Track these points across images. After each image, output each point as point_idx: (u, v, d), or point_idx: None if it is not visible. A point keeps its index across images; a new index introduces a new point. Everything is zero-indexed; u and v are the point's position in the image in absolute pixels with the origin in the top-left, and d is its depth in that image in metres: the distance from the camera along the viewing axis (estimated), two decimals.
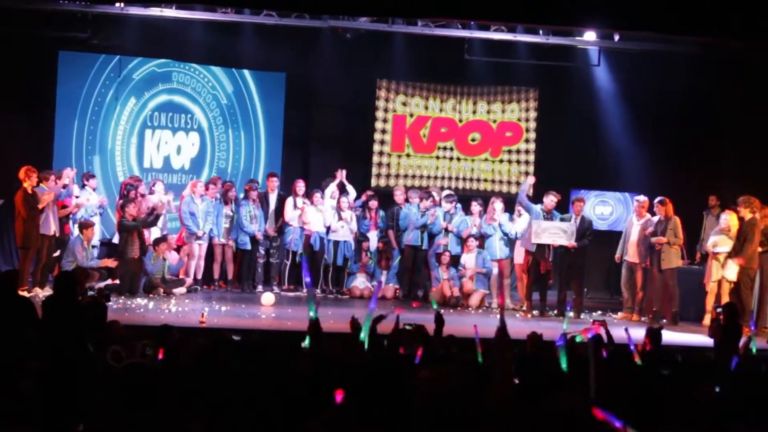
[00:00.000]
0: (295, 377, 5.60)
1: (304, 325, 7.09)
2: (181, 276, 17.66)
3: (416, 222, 18.32)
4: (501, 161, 21.63)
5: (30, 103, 19.41)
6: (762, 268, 15.79)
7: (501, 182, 21.56)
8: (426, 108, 21.54)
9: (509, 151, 21.62)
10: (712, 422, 5.46)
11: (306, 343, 7.05)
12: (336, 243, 18.50)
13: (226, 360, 5.99)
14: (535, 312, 16.81)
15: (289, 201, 18.47)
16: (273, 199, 18.68)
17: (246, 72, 20.91)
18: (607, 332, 9.09)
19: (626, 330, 9.26)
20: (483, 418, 4.81)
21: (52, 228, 16.21)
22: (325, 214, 18.40)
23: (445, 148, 21.60)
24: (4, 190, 17.42)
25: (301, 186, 18.66)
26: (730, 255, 15.87)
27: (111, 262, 17.01)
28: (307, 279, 7.41)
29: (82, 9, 18.50)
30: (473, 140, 21.63)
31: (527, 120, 21.53)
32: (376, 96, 21.42)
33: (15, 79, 18.92)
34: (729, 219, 16.21)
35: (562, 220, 16.99)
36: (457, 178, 21.55)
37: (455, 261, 18.11)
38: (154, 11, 18.55)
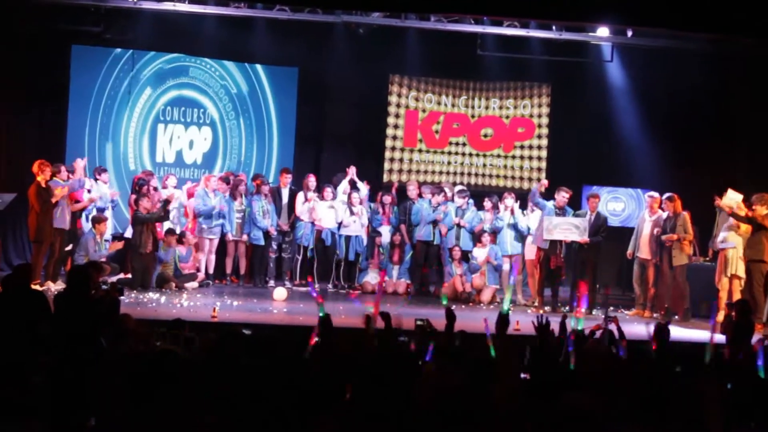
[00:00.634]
0: (305, 372, 5.60)
1: (316, 320, 7.10)
2: (192, 270, 17.66)
3: (427, 217, 18.31)
4: (513, 157, 21.62)
5: (43, 97, 19.41)
6: None
7: (513, 178, 21.56)
8: (438, 103, 21.54)
9: (521, 147, 21.61)
10: (724, 419, 5.45)
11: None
12: (348, 238, 18.51)
13: (236, 354, 6.00)
14: (546, 308, 16.78)
15: (300, 195, 18.48)
16: (285, 194, 18.69)
17: (258, 67, 20.91)
18: (619, 328, 9.08)
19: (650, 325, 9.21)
20: (488, 414, 4.81)
21: (66, 222, 16.27)
22: (336, 210, 18.40)
23: (457, 144, 21.59)
24: (16, 184, 17.46)
25: (312, 181, 18.67)
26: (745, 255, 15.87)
27: (119, 244, 17.04)
28: (314, 294, 7.38)
29: (95, 3, 18.50)
30: (485, 136, 21.62)
31: (540, 116, 21.52)
32: (388, 91, 21.41)
33: (28, 73, 18.94)
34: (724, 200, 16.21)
35: (576, 216, 16.98)
36: (469, 174, 21.54)
37: (467, 256, 18.10)
38: (167, 5, 18.57)
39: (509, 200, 18.03)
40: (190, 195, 18.36)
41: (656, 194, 17.16)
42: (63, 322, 8.81)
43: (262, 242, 18.28)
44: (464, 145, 21.58)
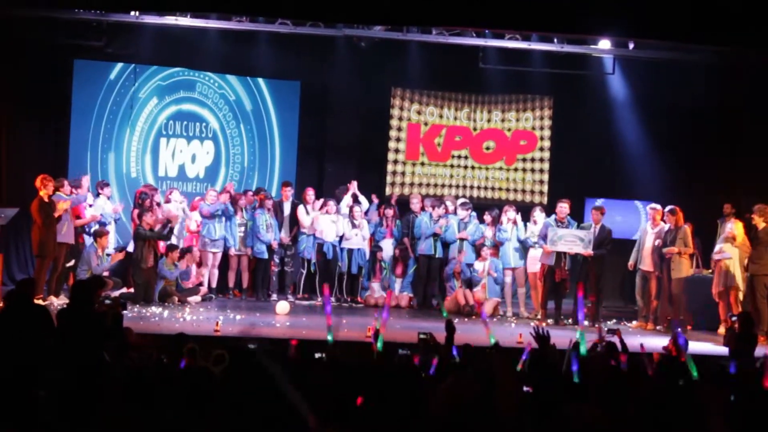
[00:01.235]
0: (311, 385, 5.60)
1: (319, 334, 7.12)
2: (195, 284, 17.66)
3: (426, 231, 18.30)
4: (515, 169, 21.63)
5: (45, 112, 19.42)
6: None
7: (515, 191, 21.56)
8: (440, 116, 21.56)
9: (524, 160, 21.62)
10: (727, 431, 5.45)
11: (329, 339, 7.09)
12: (350, 251, 18.49)
13: (244, 368, 6.00)
14: (549, 320, 16.77)
15: (301, 208, 18.48)
16: (287, 207, 18.69)
17: (261, 80, 20.94)
18: (622, 341, 9.09)
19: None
20: (492, 427, 4.82)
21: (71, 236, 16.30)
22: (337, 223, 18.39)
23: (459, 157, 21.61)
24: (19, 199, 17.47)
25: (311, 194, 18.69)
26: (742, 266, 15.87)
27: (119, 255, 17.05)
28: (327, 309, 7.40)
29: (97, 18, 18.57)
30: (488, 149, 21.64)
31: (542, 128, 21.54)
32: (390, 104, 21.44)
33: (30, 88, 18.95)
34: (734, 227, 16.20)
35: (581, 228, 16.98)
36: (471, 187, 21.55)
37: (469, 267, 18.09)
38: (169, 20, 18.60)
39: (511, 213, 18.04)
40: (194, 208, 18.37)
41: (658, 206, 17.17)
42: (66, 337, 8.81)
43: (265, 256, 18.28)
44: (466, 158, 21.60)
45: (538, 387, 6.32)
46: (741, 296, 15.92)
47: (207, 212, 17.87)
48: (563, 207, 17.06)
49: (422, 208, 18.69)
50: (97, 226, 17.22)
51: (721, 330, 15.31)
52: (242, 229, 18.24)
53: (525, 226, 18.01)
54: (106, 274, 16.43)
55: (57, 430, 5.31)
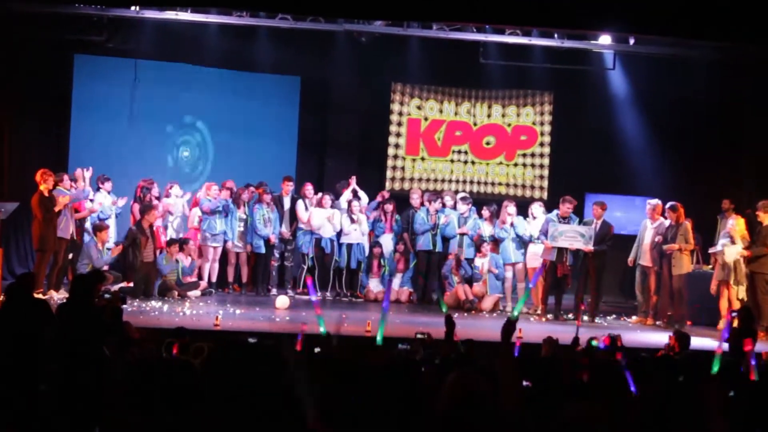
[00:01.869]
0: (308, 379, 5.60)
1: (318, 329, 7.12)
2: (195, 279, 17.67)
3: (422, 227, 18.31)
4: (515, 165, 21.64)
5: (46, 107, 19.43)
6: None
7: (515, 186, 21.57)
8: (441, 111, 21.56)
9: (524, 155, 21.63)
10: (728, 427, 5.45)
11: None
12: (349, 246, 18.50)
13: (240, 362, 6.00)
14: (549, 315, 16.79)
15: (300, 203, 18.49)
16: (287, 202, 18.70)
17: (261, 75, 20.91)
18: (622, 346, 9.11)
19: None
20: (493, 422, 4.82)
21: (70, 231, 16.30)
22: (334, 219, 18.38)
23: (459, 152, 21.61)
24: (19, 193, 17.47)
25: (309, 189, 18.70)
26: (745, 261, 15.88)
27: (119, 249, 17.05)
28: (312, 298, 7.41)
29: (98, 13, 18.53)
30: (488, 144, 21.65)
31: (542, 124, 21.55)
32: (390, 99, 21.45)
33: (31, 83, 18.94)
34: (736, 223, 16.19)
35: (584, 224, 16.97)
36: (471, 182, 21.55)
37: (468, 264, 18.09)
38: (170, 15, 18.58)
39: (511, 208, 18.04)
40: (195, 204, 18.37)
41: (657, 201, 17.16)
42: (66, 331, 8.82)
43: (263, 250, 18.29)
44: (466, 153, 21.60)
45: (540, 382, 6.33)
46: (740, 292, 15.91)
47: (207, 208, 17.87)
48: (567, 207, 17.01)
49: (422, 203, 18.68)
50: (96, 221, 17.21)
51: (721, 325, 15.31)
52: (242, 224, 18.25)
53: (525, 220, 18.01)
54: (105, 268, 16.46)
55: (57, 423, 5.32)
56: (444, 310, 8.64)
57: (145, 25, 19.14)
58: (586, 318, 16.38)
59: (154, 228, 17.31)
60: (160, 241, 17.53)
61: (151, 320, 13.76)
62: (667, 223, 16.74)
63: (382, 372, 5.23)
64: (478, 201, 19.45)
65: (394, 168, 21.46)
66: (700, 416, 5.23)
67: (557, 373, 6.91)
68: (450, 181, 21.48)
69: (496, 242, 18.08)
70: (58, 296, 15.38)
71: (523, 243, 17.94)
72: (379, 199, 19.13)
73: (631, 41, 19.28)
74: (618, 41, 19.46)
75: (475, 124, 21.61)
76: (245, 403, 5.13)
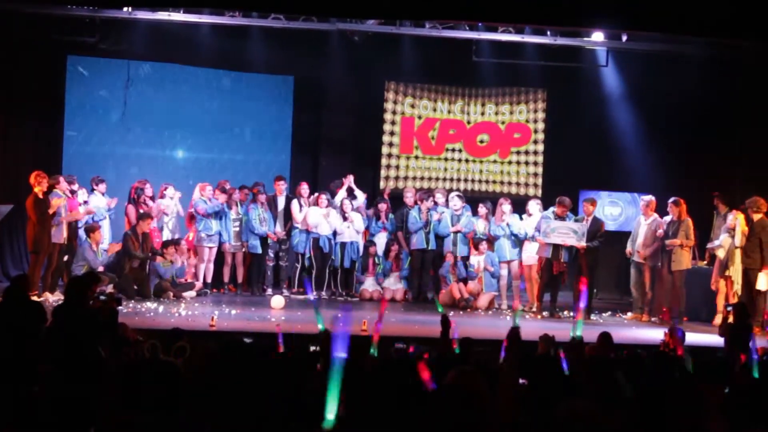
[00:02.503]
0: (306, 381, 5.61)
1: (314, 328, 7.13)
2: (190, 279, 17.66)
3: (414, 226, 18.31)
4: (510, 162, 21.63)
5: (39, 108, 19.39)
6: None
7: (510, 183, 21.56)
8: (434, 110, 21.55)
9: (518, 153, 21.62)
10: (722, 424, 5.46)
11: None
12: (343, 245, 18.49)
13: (237, 363, 6.00)
14: (545, 313, 16.80)
15: (295, 203, 18.49)
16: (281, 201, 18.69)
17: (254, 75, 20.90)
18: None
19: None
20: (490, 420, 4.82)
21: (63, 234, 16.27)
22: (330, 218, 18.37)
23: (453, 150, 21.60)
24: (13, 195, 17.46)
25: (305, 188, 18.70)
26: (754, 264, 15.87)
27: (117, 246, 17.02)
28: (310, 297, 7.42)
29: (90, 14, 18.52)
30: (482, 142, 21.64)
31: (536, 121, 21.54)
32: (384, 98, 21.42)
33: (24, 84, 18.95)
34: (735, 218, 16.18)
35: (577, 221, 16.95)
36: (465, 180, 21.54)
37: (463, 261, 18.09)
38: (162, 15, 18.59)
39: (506, 206, 18.04)
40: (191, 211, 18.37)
41: (651, 198, 17.16)
42: (62, 333, 8.81)
43: (259, 250, 18.29)
44: (460, 151, 21.59)
45: (536, 379, 6.33)
46: (738, 287, 15.92)
47: (203, 210, 17.86)
48: (563, 210, 16.98)
49: (415, 202, 18.68)
50: (88, 221, 17.18)
51: (717, 320, 15.32)
52: (237, 224, 18.24)
53: (520, 218, 18.00)
54: (101, 269, 16.44)
55: (52, 424, 5.32)
56: (440, 310, 8.64)
57: (137, 25, 19.14)
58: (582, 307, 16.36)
59: (148, 232, 17.28)
60: (154, 242, 17.54)
61: (147, 321, 13.73)
62: (666, 219, 16.73)
63: (378, 369, 5.24)
64: (473, 199, 19.45)
65: (388, 167, 21.44)
66: (698, 414, 5.23)
67: (553, 370, 6.90)
68: (444, 179, 21.46)
69: (490, 241, 18.06)
70: (54, 298, 15.36)
71: (518, 241, 17.94)
72: (385, 197, 19.17)
73: (624, 38, 19.32)
74: (611, 38, 19.51)
75: (468, 122, 21.60)
76: (227, 400, 5.14)
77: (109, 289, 15.81)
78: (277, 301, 16.29)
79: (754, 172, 19.13)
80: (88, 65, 19.72)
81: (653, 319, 16.61)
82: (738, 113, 19.95)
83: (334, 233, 18.46)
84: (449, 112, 21.58)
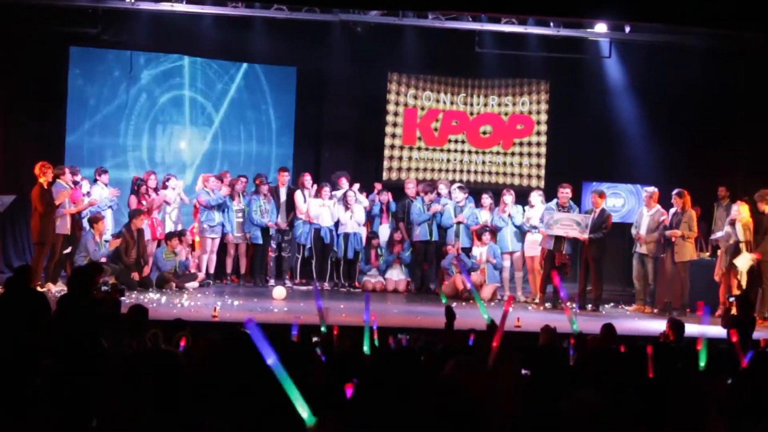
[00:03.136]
0: (308, 372, 5.60)
1: (316, 318, 7.12)
2: (193, 270, 17.67)
3: (418, 218, 18.30)
4: (512, 154, 21.63)
5: (41, 99, 19.37)
6: None
7: (513, 175, 21.56)
8: (437, 101, 21.54)
9: (521, 144, 21.62)
10: (725, 414, 5.45)
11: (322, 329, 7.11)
12: (346, 236, 18.49)
13: (239, 354, 5.99)
14: (547, 304, 16.78)
15: (299, 194, 18.49)
16: (284, 193, 18.69)
17: (257, 66, 20.90)
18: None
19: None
20: (490, 411, 4.81)
21: (67, 225, 16.29)
22: (332, 209, 18.37)
23: (456, 141, 21.59)
24: (15, 186, 17.46)
25: (307, 179, 18.69)
26: (748, 249, 15.84)
27: (117, 241, 17.01)
28: (318, 303, 7.39)
29: (92, 4, 18.52)
30: (484, 133, 21.62)
31: (538, 112, 21.53)
32: (387, 89, 21.40)
33: (26, 75, 18.94)
34: (740, 209, 16.15)
35: (586, 213, 16.90)
36: (468, 171, 21.53)
37: (465, 253, 18.08)
38: (164, 6, 18.58)
39: (508, 197, 18.03)
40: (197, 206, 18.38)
41: (653, 189, 17.12)
42: (64, 324, 8.81)
43: (260, 241, 18.28)
44: (463, 142, 21.58)
45: (537, 370, 6.33)
46: (743, 279, 15.89)
47: (205, 201, 17.86)
48: (565, 192, 17.01)
49: (417, 193, 18.66)
50: (92, 212, 17.16)
51: (719, 312, 15.30)
52: (240, 215, 18.24)
53: (523, 210, 17.99)
54: (103, 260, 16.43)
55: (54, 416, 5.31)
56: (444, 301, 8.63)
57: (139, 16, 19.16)
58: (589, 307, 16.40)
59: (142, 228, 17.26)
60: (155, 234, 17.56)
61: (150, 312, 13.71)
62: (671, 211, 16.69)
63: (381, 361, 5.23)
64: (475, 190, 19.47)
65: (391, 158, 21.43)
66: (699, 408, 5.22)
67: (556, 361, 6.90)
68: (447, 170, 21.45)
69: (493, 232, 18.05)
70: (56, 289, 15.37)
71: (520, 232, 17.92)
72: (376, 193, 19.14)
73: (627, 29, 19.30)
74: (614, 29, 19.49)
75: (471, 114, 21.58)
76: (228, 389, 5.13)
77: (112, 279, 15.83)
78: (279, 291, 16.29)
79: (756, 163, 19.14)
80: (91, 56, 19.68)
81: (655, 310, 16.59)
82: (740, 104, 19.94)
83: (336, 224, 18.46)
84: (452, 103, 21.56)
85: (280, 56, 20.72)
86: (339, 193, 18.70)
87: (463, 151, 21.59)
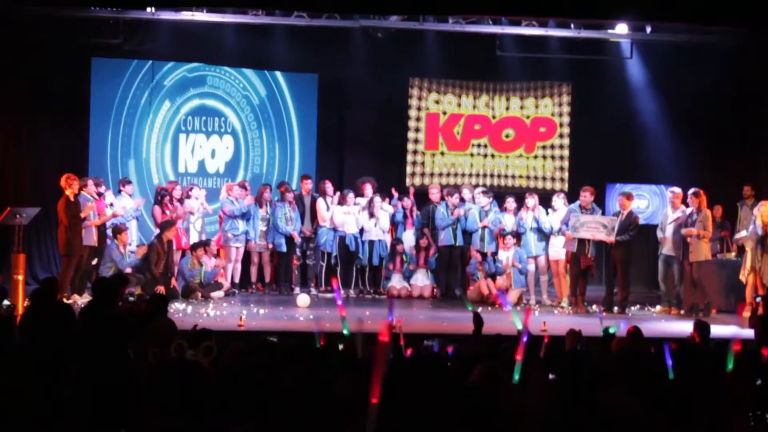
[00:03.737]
0: (332, 379, 5.59)
1: (341, 327, 7.12)
2: (218, 280, 17.69)
3: (442, 223, 18.28)
4: (535, 157, 21.58)
5: (64, 110, 19.41)
6: None
7: (536, 178, 21.51)
8: (459, 105, 21.51)
9: (543, 147, 21.57)
10: (752, 414, 5.42)
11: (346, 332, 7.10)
12: (371, 243, 18.48)
13: (265, 363, 5.99)
14: (573, 308, 16.71)
15: (321, 202, 18.50)
16: (307, 200, 18.70)
17: (278, 74, 20.94)
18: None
19: None
20: (520, 416, 4.80)
21: (93, 237, 16.37)
22: (357, 216, 18.37)
23: (479, 145, 21.56)
24: (39, 198, 17.53)
25: (329, 186, 18.70)
26: None
27: (144, 248, 17.07)
28: (339, 302, 7.38)
29: (114, 15, 18.59)
30: (507, 136, 21.59)
31: (561, 115, 21.48)
32: (408, 95, 21.40)
33: (49, 86, 18.97)
34: (763, 209, 16.08)
35: (614, 215, 16.83)
36: (491, 175, 21.50)
37: (492, 257, 18.05)
38: (186, 15, 18.65)
39: (531, 201, 18.00)
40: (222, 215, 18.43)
41: (678, 190, 17.05)
42: (89, 334, 8.83)
43: (284, 249, 18.28)
44: (486, 146, 21.55)
45: (564, 375, 6.30)
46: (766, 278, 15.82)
47: (229, 211, 17.90)
48: (585, 195, 16.94)
49: (442, 198, 18.64)
50: (115, 223, 17.20)
51: (746, 313, 15.23)
52: (265, 223, 18.27)
53: (546, 213, 17.94)
54: (129, 270, 16.46)
55: (81, 427, 5.32)
56: (470, 308, 8.60)
57: (161, 26, 19.23)
58: (615, 309, 16.34)
59: (173, 239, 17.31)
60: (180, 243, 17.60)
61: (175, 322, 13.73)
62: (689, 210, 16.63)
63: (408, 367, 5.22)
64: (499, 194, 19.42)
65: (413, 163, 21.42)
66: (724, 411, 5.20)
67: (583, 365, 6.87)
68: (470, 175, 21.41)
69: (518, 236, 18.01)
70: (82, 300, 15.40)
71: (544, 236, 17.88)
72: (404, 200, 19.11)
73: (648, 29, 19.25)
74: (635, 30, 19.45)
75: (493, 117, 21.55)
76: (255, 400, 5.13)
77: (138, 290, 15.89)
78: (303, 299, 16.32)
79: None
80: (113, 66, 19.74)
81: (681, 312, 16.51)
82: (764, 103, 19.83)
83: (361, 231, 18.46)
84: (474, 107, 21.54)
85: (301, 63, 20.74)
86: (362, 201, 18.68)
87: (485, 155, 21.55)
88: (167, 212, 17.67)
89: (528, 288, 18.00)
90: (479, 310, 9.32)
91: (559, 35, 19.73)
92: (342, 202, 18.46)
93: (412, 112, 21.41)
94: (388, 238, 18.66)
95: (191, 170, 20.25)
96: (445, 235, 18.32)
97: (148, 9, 18.51)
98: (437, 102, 21.48)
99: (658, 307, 17.10)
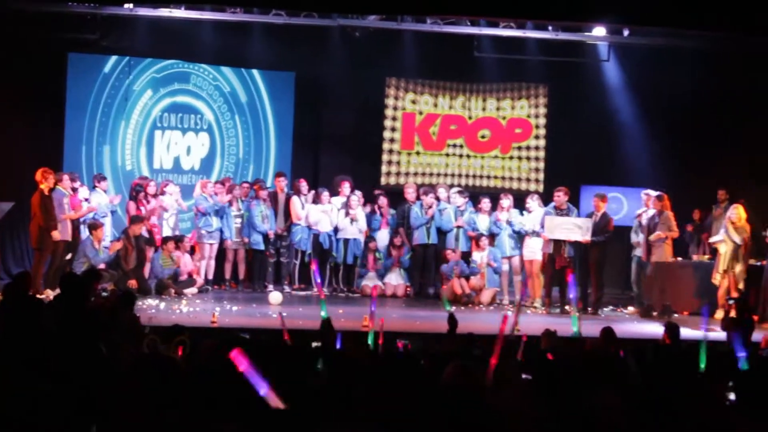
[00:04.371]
0: (308, 377, 5.59)
1: (315, 324, 7.12)
2: (192, 276, 17.65)
3: (416, 221, 18.31)
4: (511, 158, 21.60)
5: (40, 106, 19.36)
6: None
7: (511, 179, 21.53)
8: (435, 105, 21.51)
9: (519, 148, 21.59)
10: (725, 416, 5.44)
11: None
12: (346, 241, 18.48)
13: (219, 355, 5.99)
14: (552, 309, 16.75)
15: (296, 200, 18.48)
16: (282, 198, 18.68)
17: (255, 72, 20.90)
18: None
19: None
20: (496, 416, 4.80)
21: (68, 232, 16.32)
22: (331, 214, 18.38)
23: (454, 146, 21.57)
24: (14, 192, 17.44)
25: (303, 185, 18.69)
26: (744, 251, 15.89)
27: (118, 244, 17.01)
28: (318, 280, 7.40)
29: (92, 11, 18.55)
30: (483, 137, 21.60)
31: (537, 116, 21.51)
32: (385, 94, 21.38)
33: (25, 82, 18.91)
34: (736, 212, 16.18)
35: (588, 216, 16.89)
36: (467, 176, 21.50)
37: (465, 257, 18.08)
38: (163, 12, 18.60)
39: (506, 201, 18.04)
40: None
41: (652, 192, 17.13)
42: (61, 329, 8.79)
43: (261, 246, 18.28)
44: (462, 146, 21.56)
45: (537, 374, 6.31)
46: (740, 282, 15.91)
47: (203, 208, 17.90)
48: (559, 195, 16.99)
49: (417, 198, 18.67)
50: (92, 218, 17.16)
51: (718, 315, 15.30)
52: (238, 220, 18.25)
53: (521, 214, 17.98)
54: (102, 266, 16.42)
55: (52, 423, 5.30)
56: (447, 308, 8.63)
57: (138, 22, 19.19)
58: (589, 310, 16.39)
59: (140, 234, 17.27)
60: (156, 239, 17.58)
61: (148, 318, 13.71)
62: (650, 212, 16.71)
63: (381, 365, 5.22)
64: (474, 194, 19.47)
65: (389, 162, 21.41)
66: (698, 409, 5.22)
67: (557, 365, 6.89)
68: (445, 175, 21.41)
69: (492, 236, 18.05)
70: (54, 295, 15.33)
71: (518, 236, 17.92)
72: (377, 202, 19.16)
73: (626, 32, 19.31)
74: (612, 33, 19.51)
75: (470, 118, 21.57)
76: (228, 395, 5.13)
77: (110, 286, 15.85)
78: (275, 297, 16.34)
79: (755, 166, 19.14)
80: (90, 62, 19.68)
81: (654, 313, 16.56)
82: (740, 107, 19.91)
83: (335, 230, 18.46)
84: (450, 107, 21.54)
85: (278, 61, 20.70)
86: (337, 200, 18.67)
87: (461, 156, 21.56)
88: (142, 208, 17.63)
89: (502, 288, 18.02)
90: (452, 309, 9.33)
91: (536, 37, 19.78)
92: (317, 200, 18.46)
93: (389, 112, 21.41)
94: (362, 237, 18.65)
95: (166, 167, 20.20)
96: (418, 233, 18.36)
97: (126, 5, 18.45)
98: (414, 102, 21.48)
99: (630, 308, 17.17)
